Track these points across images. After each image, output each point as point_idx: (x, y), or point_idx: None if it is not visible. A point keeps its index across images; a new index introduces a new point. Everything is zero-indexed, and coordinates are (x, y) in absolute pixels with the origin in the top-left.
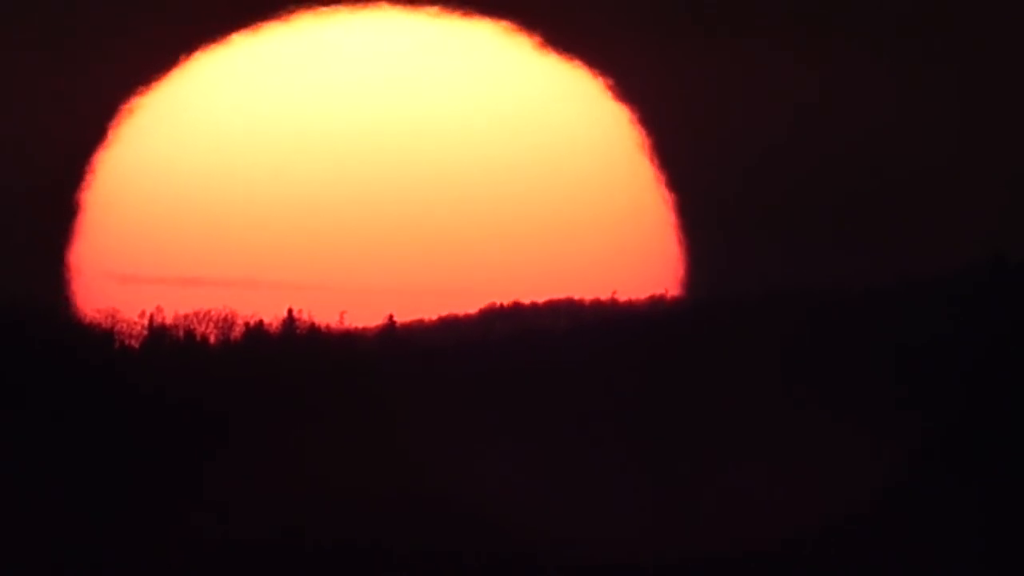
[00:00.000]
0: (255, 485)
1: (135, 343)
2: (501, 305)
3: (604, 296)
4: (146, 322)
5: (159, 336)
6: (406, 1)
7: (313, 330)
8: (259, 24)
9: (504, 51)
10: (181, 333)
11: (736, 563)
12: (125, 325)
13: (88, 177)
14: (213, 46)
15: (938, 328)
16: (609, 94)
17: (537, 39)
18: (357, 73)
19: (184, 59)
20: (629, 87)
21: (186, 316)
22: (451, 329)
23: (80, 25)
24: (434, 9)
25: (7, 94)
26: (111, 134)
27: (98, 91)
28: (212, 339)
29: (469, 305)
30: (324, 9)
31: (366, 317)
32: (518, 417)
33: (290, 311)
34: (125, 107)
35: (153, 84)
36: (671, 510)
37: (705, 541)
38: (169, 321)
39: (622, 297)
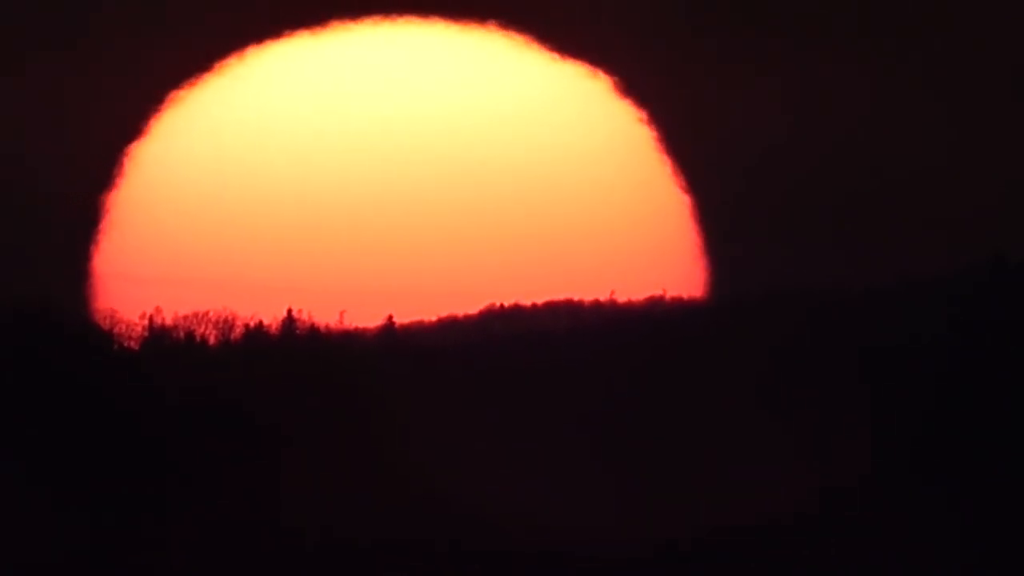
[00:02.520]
0: (255, 485)
1: (135, 344)
2: (501, 306)
3: (603, 297)
4: (146, 323)
5: (159, 337)
6: (412, 11)
7: (313, 331)
8: (265, 41)
9: (503, 55)
10: (181, 334)
11: (734, 560)
12: (125, 326)
13: (102, 180)
14: (228, 58)
15: (938, 328)
16: (612, 95)
17: (543, 41)
18: (358, 79)
19: (193, 74)
20: (633, 88)
21: (186, 317)
22: (451, 330)
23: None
24: (441, 19)
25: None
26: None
27: (118, 97)
28: (212, 340)
29: (469, 306)
30: (321, 28)
31: (366, 318)
32: (517, 417)
33: (290, 312)
34: (151, 111)
35: (174, 93)
36: (670, 507)
37: (704, 538)
38: (169, 322)
39: (621, 298)
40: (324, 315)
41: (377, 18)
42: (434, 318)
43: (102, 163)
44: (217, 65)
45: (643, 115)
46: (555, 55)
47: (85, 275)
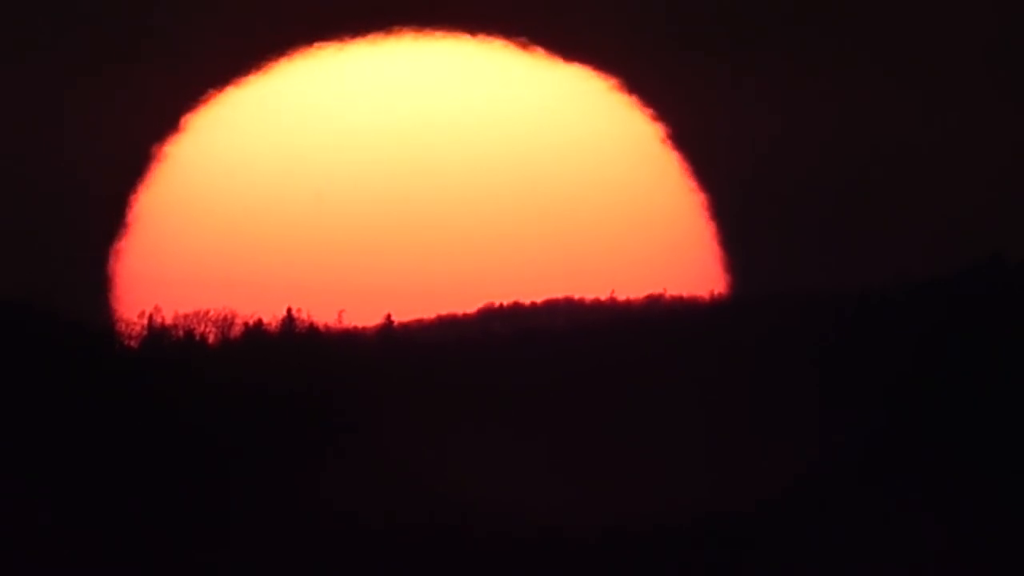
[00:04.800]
0: (255, 484)
1: (135, 343)
2: (500, 304)
3: (603, 295)
4: (146, 322)
5: (159, 336)
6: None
7: (312, 329)
8: (273, 60)
9: (499, 59)
10: (181, 333)
11: (732, 558)
12: (125, 325)
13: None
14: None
15: (938, 328)
16: (613, 95)
17: (541, 45)
18: (359, 83)
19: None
20: (635, 88)
21: (186, 316)
22: (449, 328)
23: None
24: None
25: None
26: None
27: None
28: (211, 339)
29: (467, 305)
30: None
31: (365, 317)
32: (517, 416)
33: (289, 311)
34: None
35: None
36: (670, 505)
37: (703, 535)
38: (169, 321)
39: (620, 296)
40: (323, 314)
41: (408, 30)
42: (433, 316)
43: (130, 160)
44: (243, 72)
45: (646, 113)
46: (556, 58)
47: (99, 274)
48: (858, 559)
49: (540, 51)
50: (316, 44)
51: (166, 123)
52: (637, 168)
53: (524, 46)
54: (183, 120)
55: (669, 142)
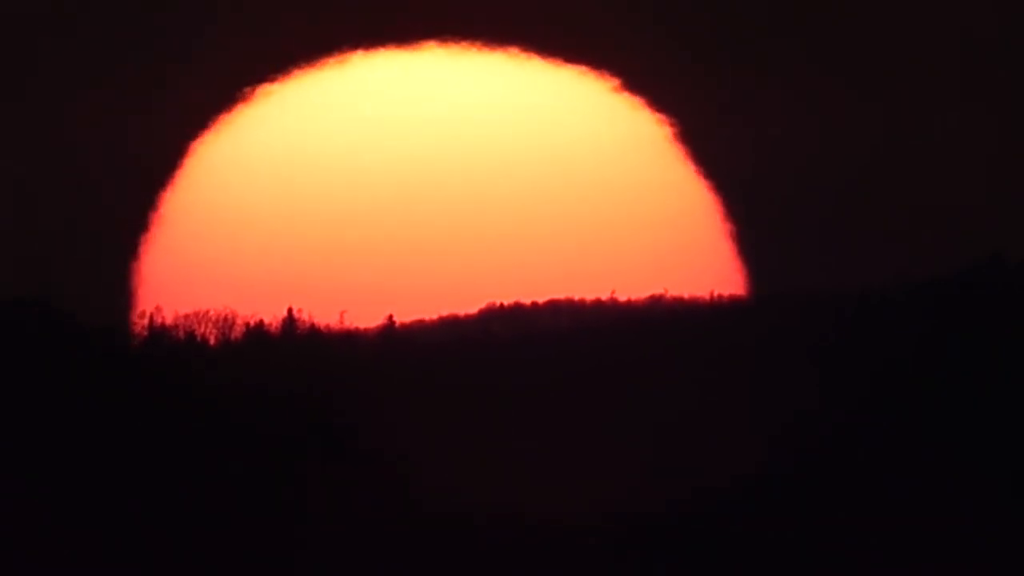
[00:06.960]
0: (255, 485)
1: (136, 343)
2: (501, 305)
3: (604, 296)
4: (146, 322)
5: (159, 336)
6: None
7: (313, 330)
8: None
9: (503, 60)
10: (181, 333)
11: (732, 557)
12: (126, 325)
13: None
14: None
15: (938, 328)
16: (613, 96)
17: (537, 49)
18: (361, 82)
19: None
20: (634, 89)
21: (186, 316)
22: (451, 329)
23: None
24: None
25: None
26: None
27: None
28: (212, 339)
29: (469, 305)
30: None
31: (366, 317)
32: (518, 416)
33: (290, 311)
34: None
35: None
36: (669, 505)
37: (702, 535)
38: (169, 321)
39: (621, 297)
40: (324, 314)
41: (436, 43)
42: (434, 317)
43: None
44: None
45: (646, 114)
46: (556, 60)
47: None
48: (858, 559)
49: (540, 53)
50: (321, 51)
51: (193, 124)
52: (638, 169)
53: (524, 48)
54: (213, 121)
55: (670, 143)
